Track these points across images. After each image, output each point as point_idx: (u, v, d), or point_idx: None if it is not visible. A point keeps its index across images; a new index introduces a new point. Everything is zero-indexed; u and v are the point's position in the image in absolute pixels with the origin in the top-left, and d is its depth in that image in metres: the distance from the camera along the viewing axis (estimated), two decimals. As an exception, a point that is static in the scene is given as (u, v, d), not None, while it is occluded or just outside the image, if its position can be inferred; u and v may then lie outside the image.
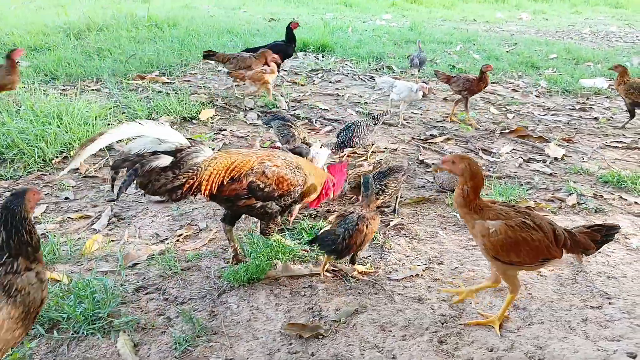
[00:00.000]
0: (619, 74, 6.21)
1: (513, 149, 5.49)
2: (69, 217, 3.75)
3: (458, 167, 2.54)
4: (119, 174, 2.78)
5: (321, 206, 3.56)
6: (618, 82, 6.22)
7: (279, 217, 3.18)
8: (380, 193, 3.75)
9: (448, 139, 5.74)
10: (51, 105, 5.09)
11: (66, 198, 4.03)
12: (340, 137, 4.78)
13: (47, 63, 7.49)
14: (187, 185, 2.80)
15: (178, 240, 3.50)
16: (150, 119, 2.89)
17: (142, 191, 2.83)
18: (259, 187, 2.92)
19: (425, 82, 7.82)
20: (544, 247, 2.49)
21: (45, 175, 4.40)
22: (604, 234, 2.59)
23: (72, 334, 2.53)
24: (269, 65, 6.32)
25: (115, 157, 2.74)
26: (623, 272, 3.23)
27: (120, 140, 2.80)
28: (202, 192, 2.85)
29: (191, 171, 2.80)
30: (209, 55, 6.66)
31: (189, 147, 2.84)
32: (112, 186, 2.74)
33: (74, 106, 5.14)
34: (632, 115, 6.31)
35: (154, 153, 2.73)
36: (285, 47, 7.44)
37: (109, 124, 5.22)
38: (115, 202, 3.94)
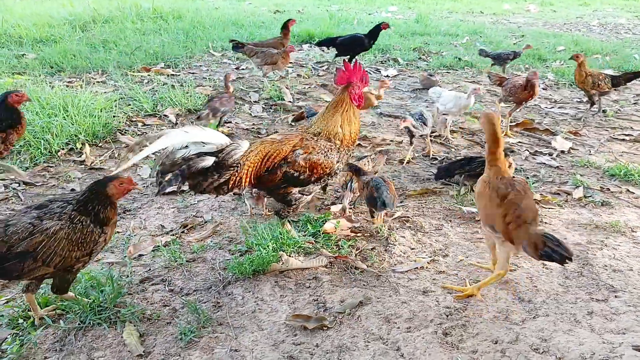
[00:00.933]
0: (579, 65, 6.10)
1: (519, 142, 5.45)
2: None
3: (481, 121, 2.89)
4: (166, 178, 2.82)
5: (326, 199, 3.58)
6: (582, 75, 6.09)
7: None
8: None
9: (454, 131, 5.71)
10: (57, 97, 5.10)
11: (72, 190, 4.05)
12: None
13: (53, 55, 7.50)
14: (232, 182, 2.92)
15: (183, 232, 3.51)
16: (192, 124, 2.96)
17: (193, 191, 3.00)
18: (294, 175, 3.02)
19: (432, 75, 7.79)
20: (494, 213, 2.67)
21: (51, 167, 4.42)
22: (548, 246, 2.44)
23: (79, 324, 2.55)
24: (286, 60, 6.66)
25: (162, 161, 2.81)
26: (629, 265, 3.21)
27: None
28: (244, 185, 2.98)
29: (232, 169, 2.91)
30: (237, 46, 6.91)
31: (228, 145, 2.92)
32: (159, 190, 2.82)
33: (80, 98, 5.15)
34: (593, 104, 6.34)
35: (199, 155, 2.83)
36: (363, 41, 7.67)
37: (114, 116, 5.23)
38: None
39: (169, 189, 2.84)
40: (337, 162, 3.13)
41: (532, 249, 2.48)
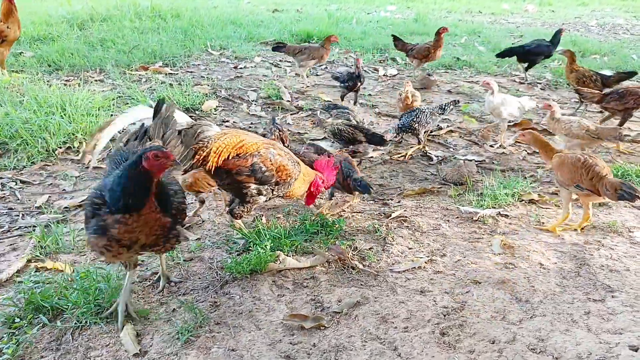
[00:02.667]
0: (568, 60, 6.21)
1: (517, 142, 5.45)
2: (65, 207, 3.75)
3: (526, 139, 3.86)
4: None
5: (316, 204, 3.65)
6: (569, 69, 6.22)
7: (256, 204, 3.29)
8: None
9: (451, 131, 5.72)
10: (54, 95, 5.09)
11: (64, 190, 4.04)
12: (400, 121, 4.94)
13: (51, 53, 7.48)
14: (198, 157, 2.97)
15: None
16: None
17: None
18: (260, 169, 3.09)
19: (430, 74, 7.79)
20: (579, 175, 3.43)
21: (48, 165, 4.41)
22: (623, 190, 3.27)
23: (76, 323, 2.55)
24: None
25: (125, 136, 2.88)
26: (626, 266, 3.22)
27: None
28: (209, 163, 2.99)
29: (202, 143, 2.97)
30: (278, 47, 7.01)
31: (197, 123, 3.02)
32: None
33: (78, 97, 5.14)
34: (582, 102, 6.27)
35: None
36: (546, 48, 7.70)
37: (112, 115, 5.21)
38: None
39: None
40: (294, 179, 3.24)
41: (612, 192, 3.27)
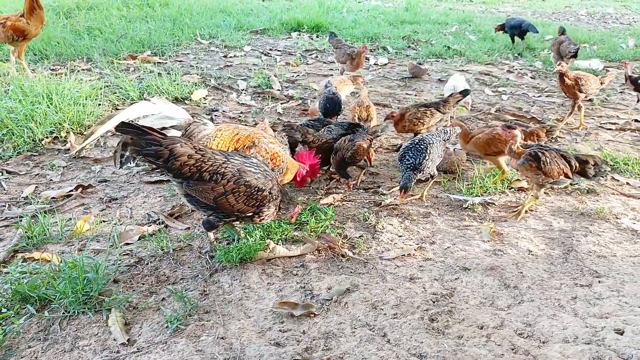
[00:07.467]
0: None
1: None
2: (52, 198, 3.71)
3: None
4: (127, 151, 2.87)
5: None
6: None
7: None
8: None
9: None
10: (41, 84, 5.00)
11: (51, 180, 3.99)
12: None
13: (36, 42, 7.33)
14: None
15: (171, 220, 3.48)
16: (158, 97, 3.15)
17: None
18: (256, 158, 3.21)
19: (421, 64, 7.76)
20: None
21: (35, 155, 4.35)
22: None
23: (64, 313, 2.53)
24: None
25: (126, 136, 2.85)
26: (613, 252, 3.25)
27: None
28: None
29: (202, 142, 3.10)
30: (332, 34, 7.12)
31: (195, 122, 3.17)
32: (121, 161, 2.87)
33: (64, 86, 5.06)
34: None
35: (163, 129, 2.98)
36: None
37: (99, 104, 5.15)
38: (106, 182, 3.93)
39: (129, 164, 2.91)
40: (286, 163, 3.40)
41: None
